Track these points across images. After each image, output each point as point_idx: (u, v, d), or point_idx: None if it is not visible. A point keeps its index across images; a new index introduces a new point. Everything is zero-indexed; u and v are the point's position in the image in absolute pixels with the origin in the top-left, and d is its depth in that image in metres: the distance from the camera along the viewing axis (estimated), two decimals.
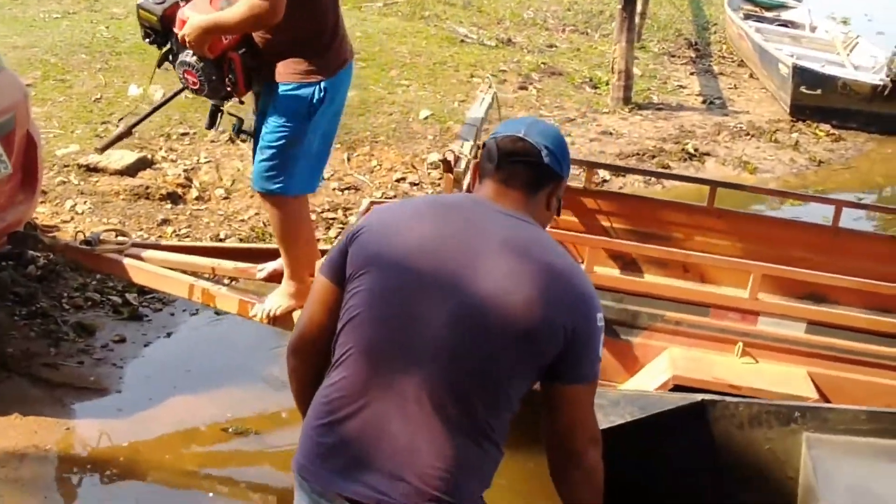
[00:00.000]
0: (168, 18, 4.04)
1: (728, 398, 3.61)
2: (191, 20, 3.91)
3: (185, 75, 4.07)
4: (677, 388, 3.94)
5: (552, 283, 2.29)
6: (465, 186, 4.43)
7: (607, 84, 10.61)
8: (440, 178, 4.64)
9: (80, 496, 4.20)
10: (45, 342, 5.00)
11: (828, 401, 4.02)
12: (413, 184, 7.71)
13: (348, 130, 8.33)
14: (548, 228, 2.52)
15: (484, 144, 2.48)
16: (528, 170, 2.39)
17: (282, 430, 4.70)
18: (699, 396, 3.56)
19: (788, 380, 4.09)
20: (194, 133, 7.76)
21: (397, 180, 7.72)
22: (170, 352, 5.17)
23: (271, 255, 5.25)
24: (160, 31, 4.09)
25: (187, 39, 3.93)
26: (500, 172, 2.40)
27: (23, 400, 4.52)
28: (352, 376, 2.30)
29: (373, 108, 9.07)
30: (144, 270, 4.81)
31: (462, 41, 11.95)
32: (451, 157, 4.09)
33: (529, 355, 2.28)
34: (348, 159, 7.87)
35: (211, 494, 4.19)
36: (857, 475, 3.31)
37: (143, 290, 5.50)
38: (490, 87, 5.20)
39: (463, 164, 4.18)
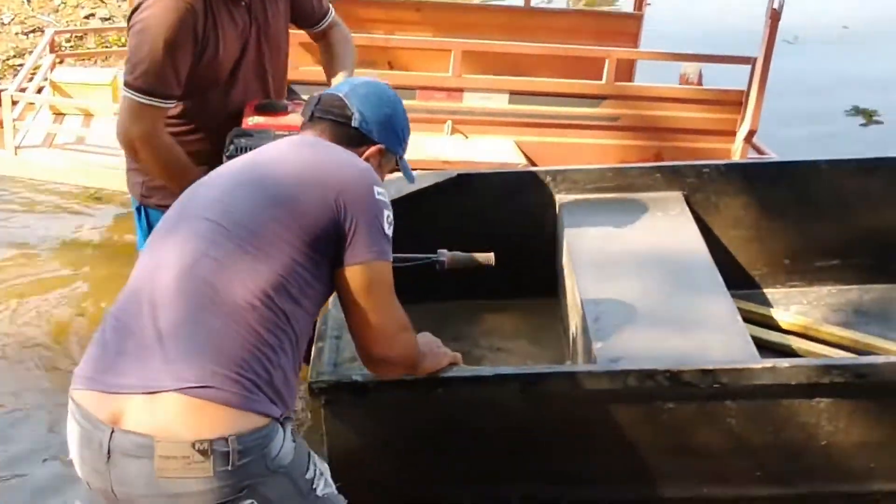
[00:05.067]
0: None
1: (483, 172, 3.76)
2: None
3: None
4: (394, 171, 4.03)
5: (328, 164, 2.33)
6: None
7: None
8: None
9: None
10: None
11: (534, 164, 4.25)
12: (104, 18, 7.40)
13: None
14: None
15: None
16: (335, 128, 2.45)
17: None
18: (455, 172, 3.65)
19: (498, 149, 4.28)
20: None
21: (86, 17, 7.38)
22: None
23: None
24: None
25: None
26: (313, 126, 2.48)
27: None
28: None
29: None
30: None
31: None
32: None
33: (300, 224, 2.23)
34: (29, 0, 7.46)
35: None
36: (603, 225, 3.56)
37: None
38: None
39: None
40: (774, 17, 3.84)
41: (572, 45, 4.56)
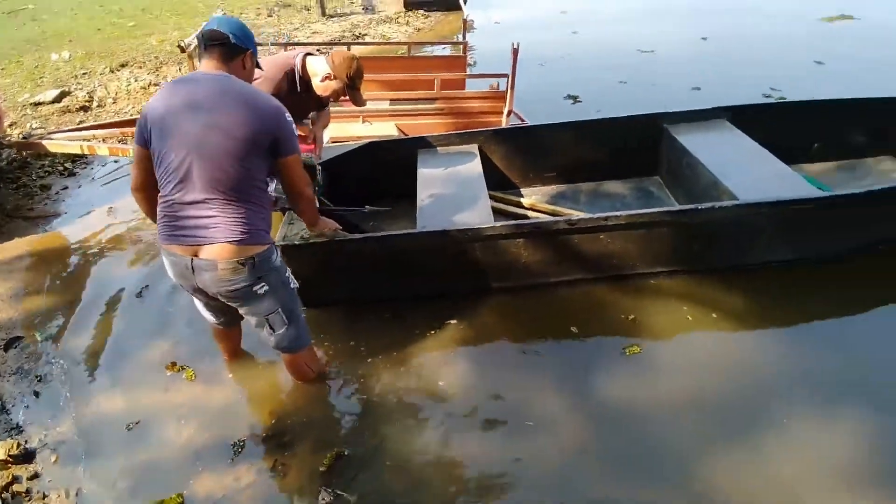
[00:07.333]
0: None
1: (383, 140, 3.54)
2: None
3: None
4: (334, 141, 3.80)
5: (254, 104, 2.00)
6: (195, 62, 4.00)
7: (311, 7, 9.79)
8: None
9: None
10: (26, 199, 4.39)
11: (405, 135, 4.04)
12: None
13: None
14: None
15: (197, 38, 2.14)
16: (221, 48, 2.06)
17: None
18: (366, 141, 3.47)
19: (386, 129, 4.07)
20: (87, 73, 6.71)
21: None
22: (94, 190, 4.63)
23: (126, 123, 4.64)
24: None
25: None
26: (206, 52, 2.08)
27: (21, 230, 4.01)
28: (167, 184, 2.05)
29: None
30: (55, 143, 4.20)
31: None
32: (184, 44, 3.69)
33: (252, 144, 1.99)
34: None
35: None
36: (437, 163, 3.41)
37: (74, 159, 4.85)
38: (222, 10, 4.67)
39: (192, 47, 3.75)
40: (515, 53, 3.66)
41: (421, 73, 4.32)
